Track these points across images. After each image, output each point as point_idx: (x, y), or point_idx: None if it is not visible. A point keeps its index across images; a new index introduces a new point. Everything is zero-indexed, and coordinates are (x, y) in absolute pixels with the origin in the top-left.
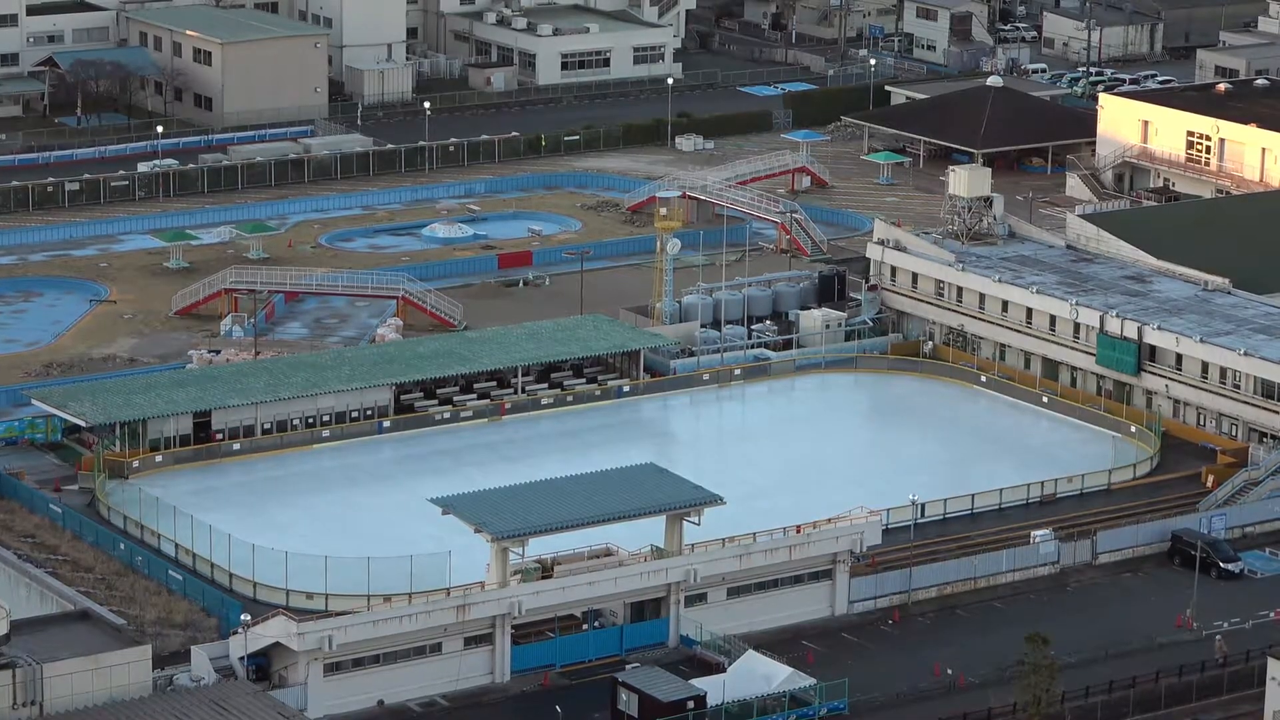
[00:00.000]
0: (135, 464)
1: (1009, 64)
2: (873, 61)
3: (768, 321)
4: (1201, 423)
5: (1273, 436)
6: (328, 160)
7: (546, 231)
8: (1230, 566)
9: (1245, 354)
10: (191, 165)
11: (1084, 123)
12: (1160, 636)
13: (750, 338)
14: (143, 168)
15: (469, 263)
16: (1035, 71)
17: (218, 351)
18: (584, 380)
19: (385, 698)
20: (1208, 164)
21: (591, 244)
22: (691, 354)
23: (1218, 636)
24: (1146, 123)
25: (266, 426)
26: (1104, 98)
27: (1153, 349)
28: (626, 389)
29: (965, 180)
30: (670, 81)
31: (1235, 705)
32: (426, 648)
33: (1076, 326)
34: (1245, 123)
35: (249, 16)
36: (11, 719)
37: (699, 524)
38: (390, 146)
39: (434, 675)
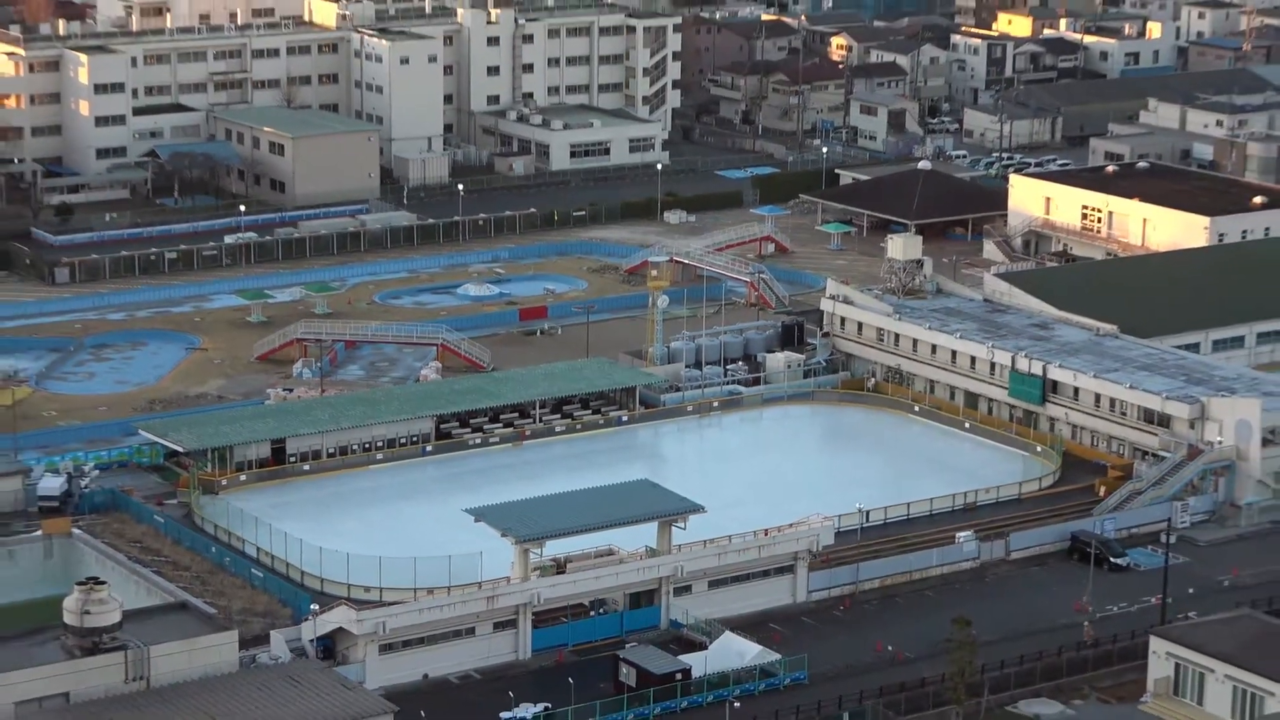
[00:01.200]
0: (223, 482)
1: (936, 151)
2: (825, 149)
3: (740, 363)
4: (1095, 443)
5: (1153, 454)
6: (380, 232)
7: (559, 290)
8: (1119, 561)
9: (1130, 387)
10: (268, 237)
11: (998, 198)
12: (1062, 619)
13: (725, 376)
14: (229, 240)
15: (495, 316)
16: (957, 157)
17: (291, 390)
18: (590, 411)
19: (429, 672)
20: (1099, 232)
21: (595, 300)
22: (678, 390)
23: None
24: (1049, 198)
25: (331, 451)
26: (1014, 178)
27: (1055, 383)
28: (625, 418)
29: (901, 246)
30: (659, 166)
31: (1123, 674)
32: (462, 631)
33: (992, 365)
34: (1129, 198)
35: (314, 115)
36: (123, 691)
37: (684, 528)
38: (430, 221)
39: (468, 653)
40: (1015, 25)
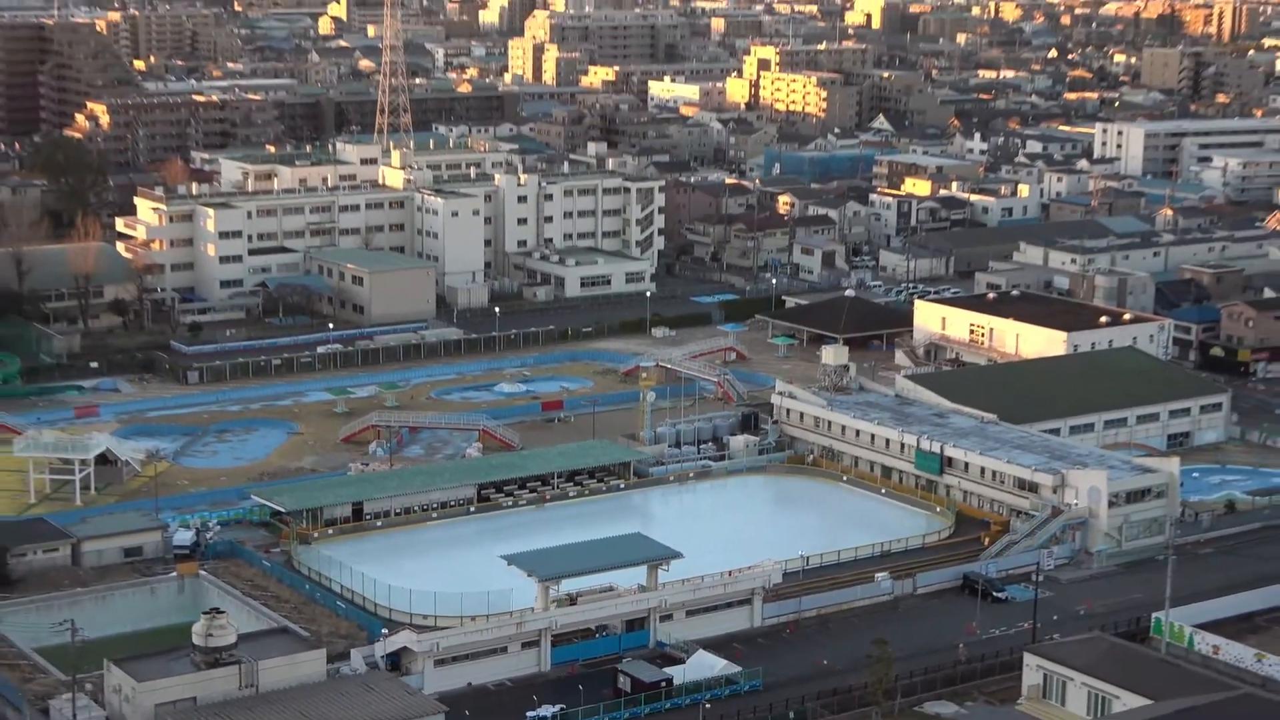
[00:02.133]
0: (315, 535)
1: (858, 282)
2: (774, 281)
3: (709, 443)
4: (980, 505)
5: (1025, 513)
6: (435, 344)
7: (571, 387)
8: (999, 595)
9: (1007, 462)
10: (350, 348)
11: (905, 318)
12: (957, 640)
13: (698, 454)
14: (320, 349)
15: (523, 408)
16: (874, 286)
17: (367, 464)
18: (595, 480)
19: (472, 681)
20: (983, 344)
21: (599, 396)
22: (662, 464)
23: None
24: (944, 318)
25: (397, 511)
26: (918, 303)
27: (950, 459)
28: (621, 486)
29: (832, 354)
30: (648, 294)
31: (1003, 682)
32: (497, 649)
33: (902, 445)
34: (1005, 318)
35: (386, 255)
36: (238, 696)
37: (667, 570)
38: (474, 335)
39: (502, 666)
40: (918, 187)
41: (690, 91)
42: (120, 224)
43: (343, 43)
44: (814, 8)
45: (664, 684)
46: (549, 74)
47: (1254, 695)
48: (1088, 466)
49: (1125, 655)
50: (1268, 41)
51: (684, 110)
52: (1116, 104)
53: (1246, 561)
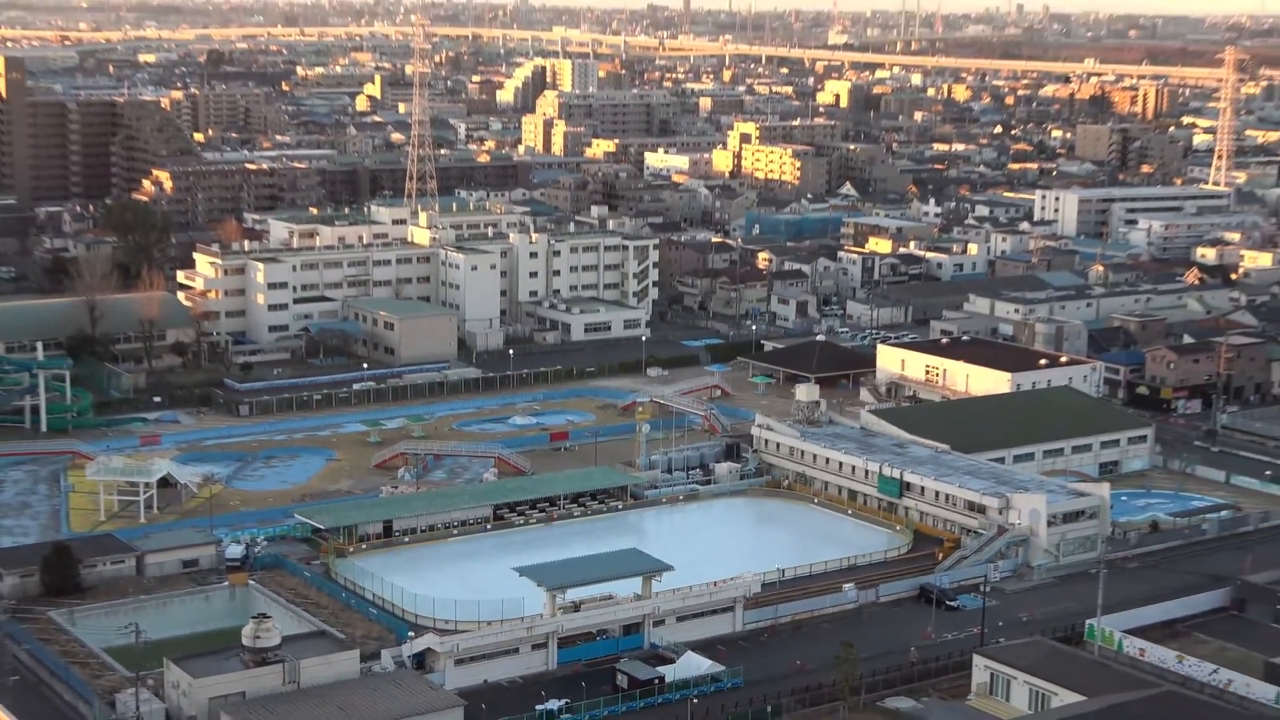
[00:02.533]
0: (350, 549)
1: (828, 328)
2: (754, 327)
3: (697, 469)
4: (935, 524)
5: (974, 532)
6: (456, 382)
7: (576, 420)
8: (952, 604)
9: (958, 486)
10: (382, 385)
11: (869, 360)
12: (914, 643)
13: (687, 479)
14: (355, 386)
15: (533, 438)
16: (842, 332)
17: (396, 487)
18: (597, 502)
19: (487, 678)
20: (937, 383)
21: (600, 427)
22: (655, 487)
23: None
24: (903, 360)
25: (423, 528)
26: (880, 347)
27: (908, 484)
28: (620, 507)
29: (804, 392)
30: (644, 338)
31: (955, 680)
32: (510, 650)
33: (866, 472)
34: (957, 360)
35: (414, 304)
36: (282, 691)
37: (660, 581)
38: (490, 374)
39: (515, 665)
40: (880, 246)
41: (681, 161)
42: (181, 276)
43: (377, 118)
44: (789, 89)
45: (657, 681)
46: (557, 146)
47: (1175, 693)
48: (1029, 491)
49: (1062, 657)
50: (1186, 119)
51: (675, 178)
52: (1054, 173)
53: (1169, 575)
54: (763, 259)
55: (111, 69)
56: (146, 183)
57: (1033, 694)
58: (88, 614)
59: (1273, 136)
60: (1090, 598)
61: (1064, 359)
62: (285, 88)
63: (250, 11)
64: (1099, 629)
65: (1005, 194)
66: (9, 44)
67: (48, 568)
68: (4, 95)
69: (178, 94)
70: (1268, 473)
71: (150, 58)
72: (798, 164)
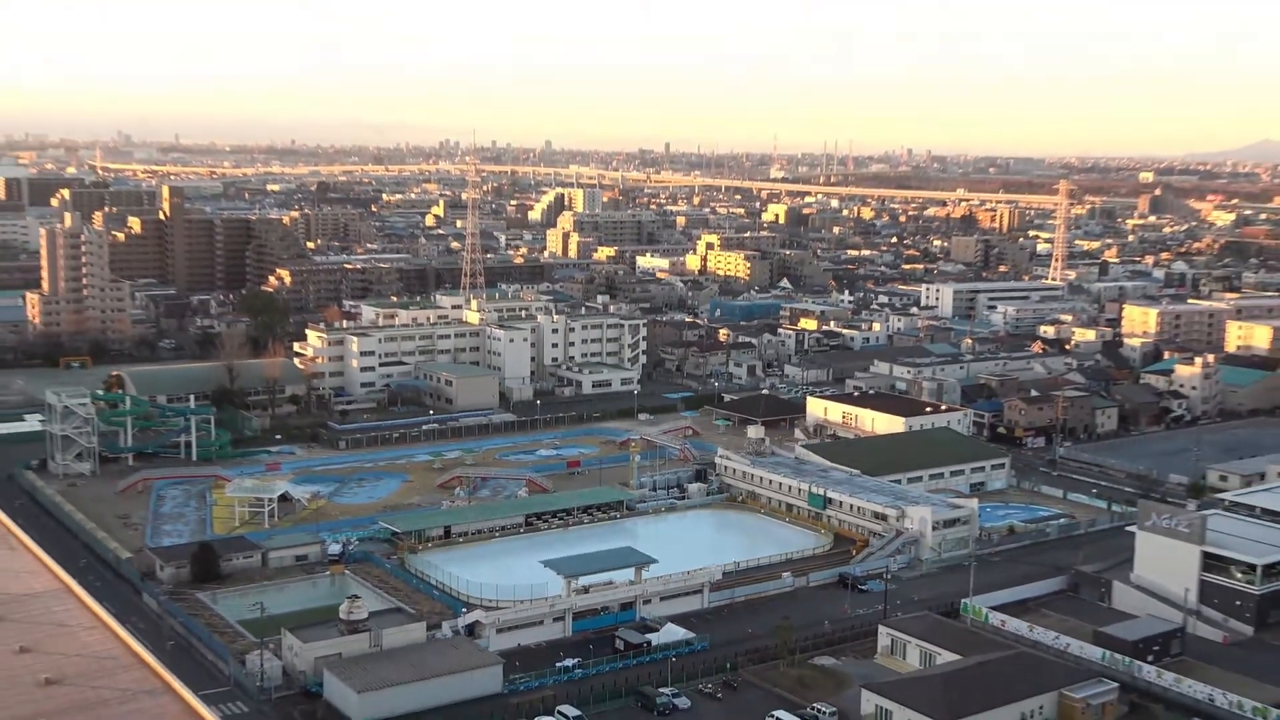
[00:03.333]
0: (419, 548)
1: (771, 385)
2: (716, 384)
3: (675, 488)
4: (850, 529)
5: (878, 534)
6: (499, 424)
7: (586, 453)
8: (864, 587)
9: (867, 501)
10: (443, 426)
11: (801, 408)
12: (834, 617)
13: (668, 495)
14: (424, 427)
15: (554, 465)
16: (781, 388)
17: (453, 501)
18: (601, 513)
19: (520, 643)
20: (851, 424)
21: (604, 457)
22: (644, 502)
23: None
24: (825, 407)
25: (473, 532)
26: (809, 399)
27: (830, 499)
28: (618, 516)
29: (754, 431)
30: (635, 392)
31: (864, 644)
32: (536, 622)
33: (799, 490)
34: (865, 408)
35: (466, 367)
36: (368, 652)
37: (647, 571)
38: (523, 418)
39: (541, 633)
40: (808, 324)
41: (663, 263)
42: (296, 346)
43: (440, 231)
44: (742, 210)
45: (645, 645)
46: (572, 251)
47: (1026, 653)
48: (918, 504)
49: (944, 627)
50: (1031, 232)
51: (659, 274)
52: (935, 271)
53: (1022, 566)
54: (722, 334)
55: (247, 195)
56: (271, 278)
57: (923, 654)
58: (225, 595)
59: (1094, 245)
60: (964, 583)
61: (943, 407)
62: (374, 209)
63: (349, 154)
64: (971, 606)
65: (900, 286)
66: (172, 178)
67: (196, 561)
68: (168, 214)
69: (295, 213)
70: (1094, 491)
71: (275, 187)
72: (748, 265)
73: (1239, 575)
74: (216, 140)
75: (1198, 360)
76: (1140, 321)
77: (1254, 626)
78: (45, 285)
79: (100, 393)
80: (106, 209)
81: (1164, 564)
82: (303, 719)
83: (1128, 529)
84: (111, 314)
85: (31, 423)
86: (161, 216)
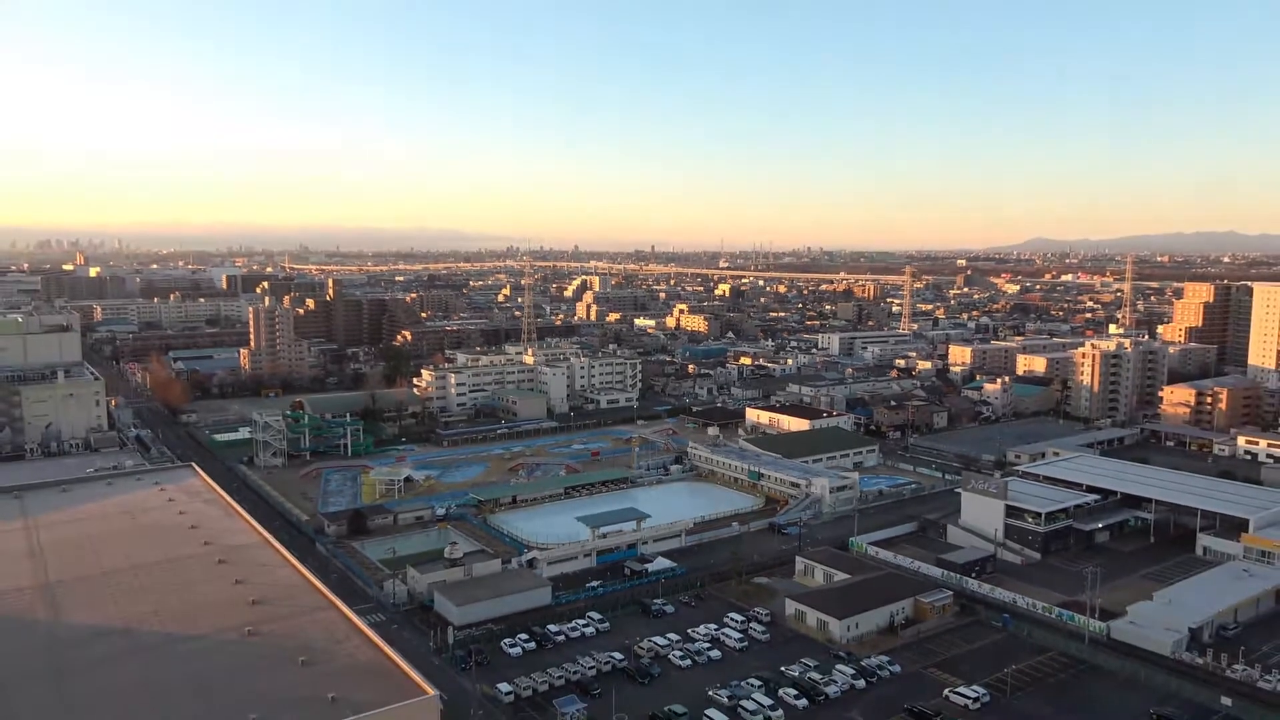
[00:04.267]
0: (496, 510)
1: (722, 400)
2: (687, 399)
3: (661, 468)
4: (777, 492)
5: (794, 497)
6: (547, 429)
7: (604, 446)
8: (786, 532)
9: (787, 474)
10: (511, 430)
11: (742, 414)
12: (769, 553)
13: (657, 473)
14: (499, 431)
15: (583, 454)
16: (730, 401)
17: (518, 479)
18: (614, 485)
19: (563, 571)
20: (775, 425)
21: (616, 449)
22: (642, 477)
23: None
24: (759, 415)
25: (530, 499)
26: (747, 408)
27: (762, 473)
28: (626, 487)
29: (712, 431)
30: (634, 406)
31: (787, 569)
32: (573, 557)
33: (743, 468)
34: (784, 414)
35: (525, 391)
36: (463, 579)
37: (644, 522)
38: (562, 425)
39: (577, 565)
40: (745, 360)
41: (651, 323)
42: (416, 381)
43: (507, 305)
44: (701, 288)
45: (644, 572)
46: (593, 316)
47: (892, 573)
48: (820, 476)
49: (838, 556)
50: (888, 299)
51: (649, 330)
52: (826, 325)
53: (888, 515)
54: (690, 367)
55: (381, 284)
56: (399, 337)
57: (825, 574)
58: (369, 544)
59: (929, 307)
60: (851, 528)
61: (834, 413)
62: (464, 291)
63: (447, 256)
64: (856, 542)
65: (804, 335)
66: (335, 273)
67: (350, 521)
68: (332, 296)
69: (413, 295)
70: (933, 465)
71: (400, 278)
72: (706, 323)
73: (1029, 520)
74: (364, 249)
75: (998, 380)
76: (960, 355)
77: (1040, 554)
78: (252, 343)
79: (288, 412)
80: (292, 294)
81: (980, 513)
82: (421, 624)
83: (956, 491)
84: (295, 361)
85: (243, 433)
86: (328, 298)
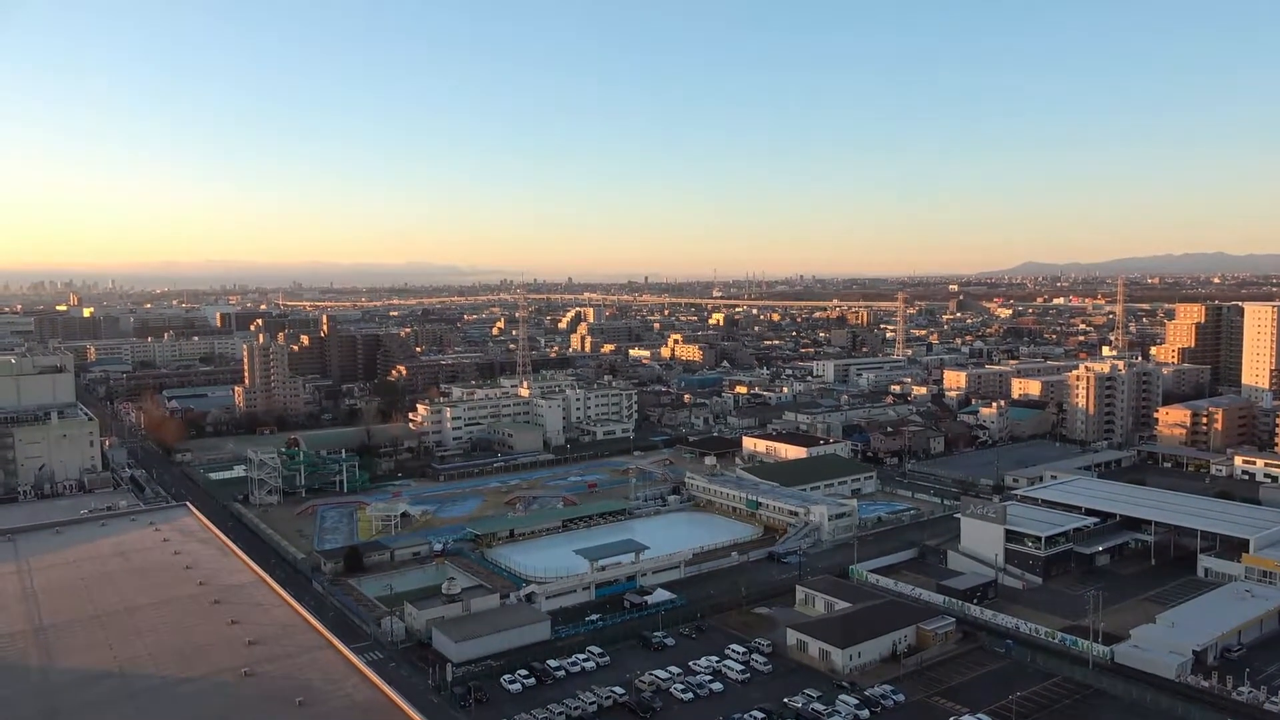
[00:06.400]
0: (493, 544)
1: (718, 429)
2: (683, 429)
3: (659, 499)
4: (775, 521)
5: (793, 525)
6: (543, 461)
7: (600, 478)
8: (786, 560)
9: (785, 502)
10: (507, 464)
11: (739, 443)
12: (771, 581)
13: (655, 503)
14: (495, 465)
15: (579, 486)
16: (725, 430)
17: (515, 512)
18: (612, 517)
19: (562, 605)
20: (773, 453)
21: (613, 480)
22: (639, 508)
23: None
24: (755, 443)
25: (528, 532)
26: (744, 437)
27: (760, 502)
28: (623, 518)
29: (710, 460)
30: (631, 437)
31: (787, 598)
32: (572, 590)
33: (740, 497)
34: (781, 442)
35: (520, 424)
36: (461, 615)
37: (643, 554)
38: (559, 457)
39: (576, 599)
40: (741, 390)
41: (646, 353)
42: (411, 415)
43: (502, 338)
44: (695, 317)
45: (643, 604)
46: (588, 347)
47: (894, 600)
48: (818, 504)
49: (839, 585)
50: (883, 325)
51: (643, 360)
52: (820, 352)
53: (887, 542)
54: (686, 397)
55: (376, 319)
56: (393, 371)
57: (826, 603)
58: (366, 580)
59: (922, 332)
60: (850, 555)
61: (831, 439)
62: (458, 325)
63: (441, 290)
64: (856, 570)
65: (799, 363)
66: (329, 309)
67: (347, 558)
68: (326, 332)
69: (408, 330)
70: (931, 491)
71: (395, 313)
72: (700, 352)
73: (1030, 544)
74: (357, 284)
75: (994, 404)
76: (955, 380)
77: (1042, 578)
78: (247, 380)
79: (283, 449)
80: (286, 330)
81: (980, 538)
82: (419, 661)
83: (955, 516)
84: (290, 398)
85: (238, 471)
86: (322, 334)
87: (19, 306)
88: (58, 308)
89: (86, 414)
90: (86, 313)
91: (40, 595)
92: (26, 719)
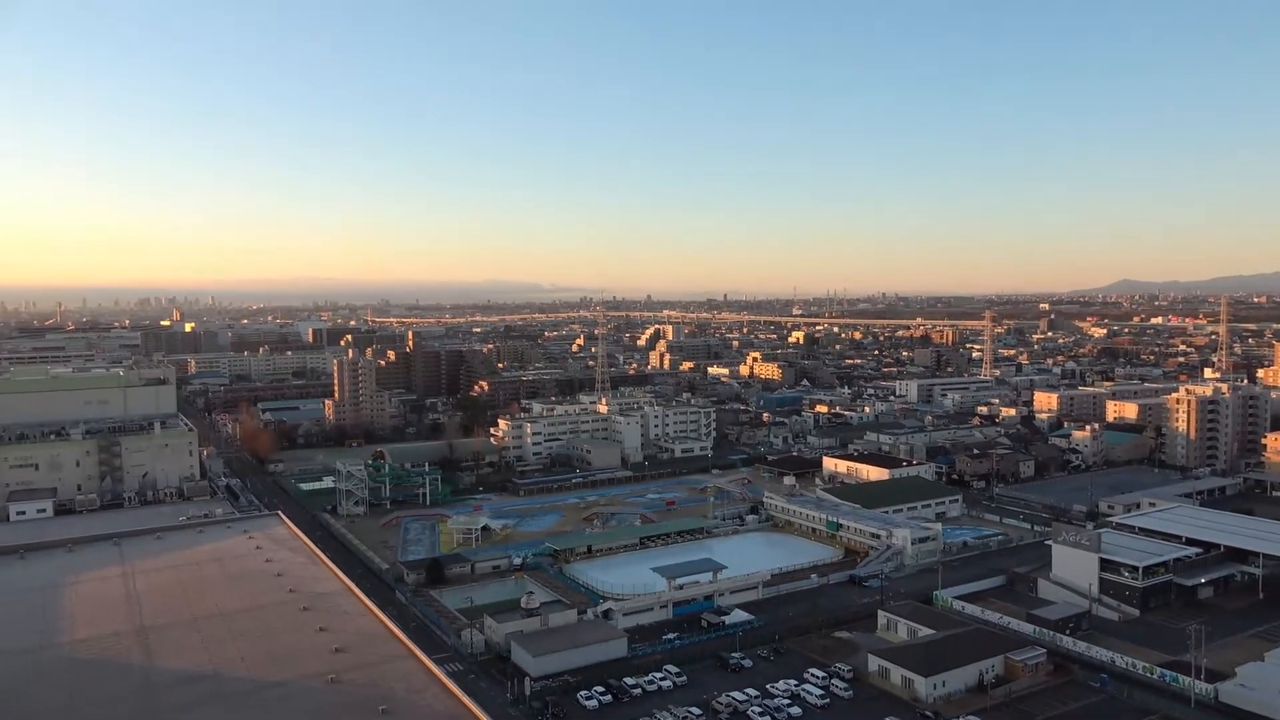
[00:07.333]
0: (571, 559)
1: (798, 448)
2: (762, 448)
3: (737, 518)
4: (856, 544)
5: (875, 548)
6: (621, 478)
7: (678, 495)
8: (868, 584)
9: (867, 524)
10: (585, 480)
11: (819, 463)
12: (851, 606)
13: (733, 523)
14: (573, 480)
15: (658, 504)
16: (806, 450)
17: (593, 529)
18: (690, 535)
19: (639, 623)
20: (854, 474)
21: (691, 498)
22: (717, 527)
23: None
24: (836, 464)
25: (606, 548)
26: (825, 457)
27: (841, 524)
28: (701, 537)
29: (789, 480)
30: (709, 455)
31: (869, 623)
32: (649, 608)
33: (821, 519)
34: (863, 463)
35: (600, 440)
36: (538, 630)
37: (721, 573)
38: (638, 474)
39: (652, 616)
40: (821, 408)
41: (724, 371)
42: (492, 430)
43: (581, 355)
44: (775, 335)
45: (721, 624)
46: (666, 365)
47: (980, 629)
48: (901, 527)
49: (922, 610)
50: (969, 345)
51: (722, 379)
52: (904, 372)
53: (974, 568)
54: (765, 416)
55: (459, 335)
56: (476, 387)
57: (909, 629)
58: (447, 592)
59: (1011, 352)
60: (935, 581)
61: (914, 461)
62: (539, 341)
63: (522, 307)
64: (940, 596)
65: (882, 383)
66: (415, 326)
67: (429, 570)
68: (412, 348)
69: (490, 346)
70: (1021, 517)
71: (478, 329)
72: (780, 371)
73: (1126, 574)
74: (441, 301)
75: (1087, 427)
76: (1046, 402)
77: (1139, 610)
78: (336, 394)
79: (370, 462)
80: (374, 346)
81: (1073, 566)
82: (498, 674)
83: (1046, 543)
84: (377, 412)
85: (327, 482)
86: (408, 350)
87: (127, 322)
88: (162, 323)
89: (187, 425)
90: (188, 328)
91: (142, 597)
92: (127, 716)
